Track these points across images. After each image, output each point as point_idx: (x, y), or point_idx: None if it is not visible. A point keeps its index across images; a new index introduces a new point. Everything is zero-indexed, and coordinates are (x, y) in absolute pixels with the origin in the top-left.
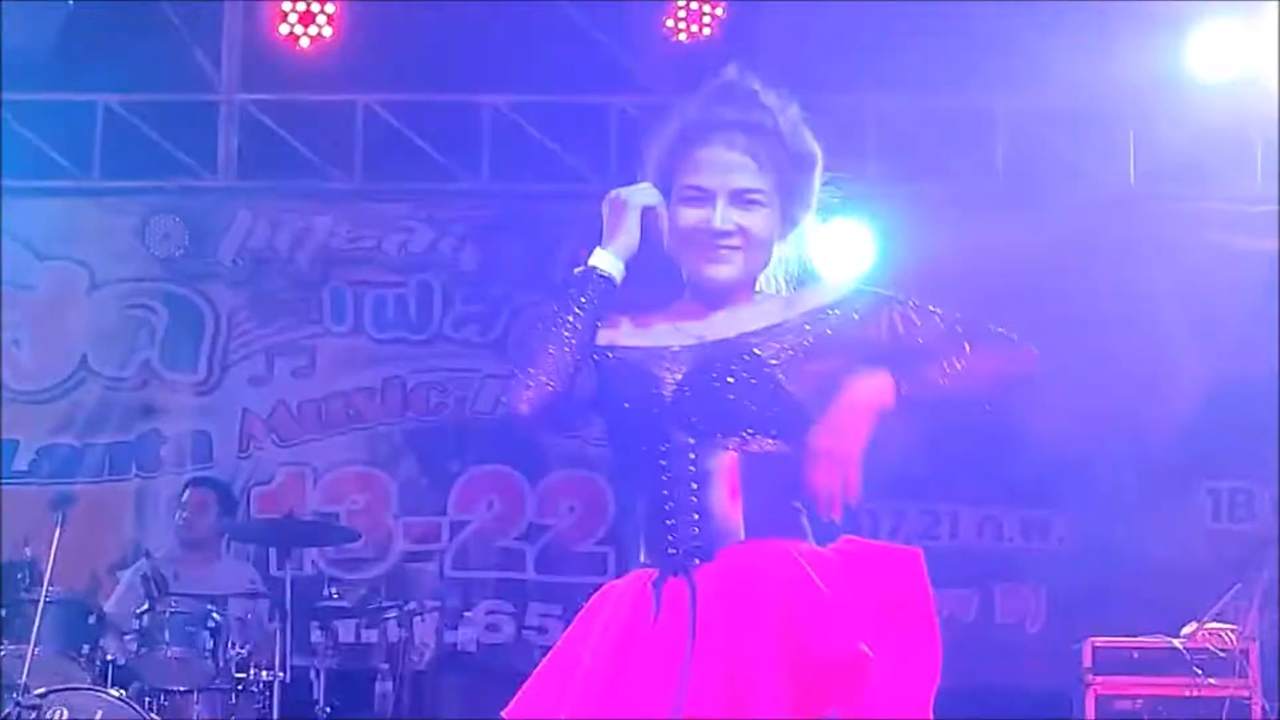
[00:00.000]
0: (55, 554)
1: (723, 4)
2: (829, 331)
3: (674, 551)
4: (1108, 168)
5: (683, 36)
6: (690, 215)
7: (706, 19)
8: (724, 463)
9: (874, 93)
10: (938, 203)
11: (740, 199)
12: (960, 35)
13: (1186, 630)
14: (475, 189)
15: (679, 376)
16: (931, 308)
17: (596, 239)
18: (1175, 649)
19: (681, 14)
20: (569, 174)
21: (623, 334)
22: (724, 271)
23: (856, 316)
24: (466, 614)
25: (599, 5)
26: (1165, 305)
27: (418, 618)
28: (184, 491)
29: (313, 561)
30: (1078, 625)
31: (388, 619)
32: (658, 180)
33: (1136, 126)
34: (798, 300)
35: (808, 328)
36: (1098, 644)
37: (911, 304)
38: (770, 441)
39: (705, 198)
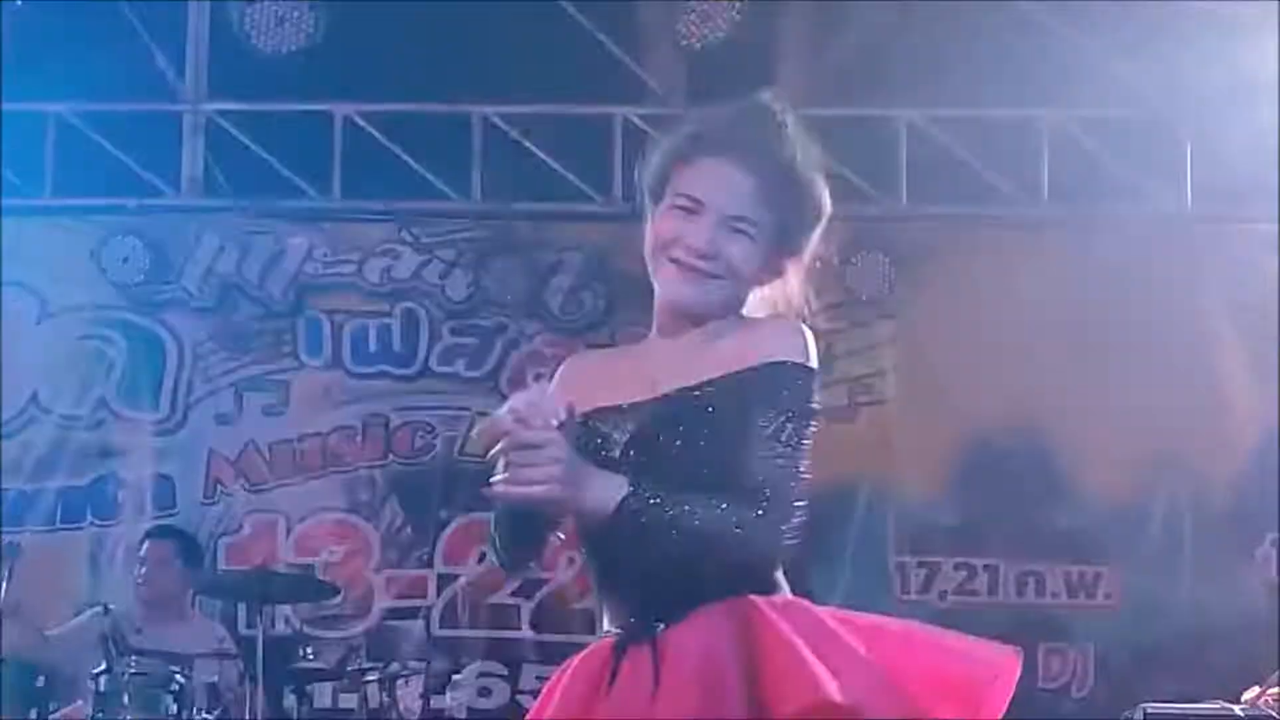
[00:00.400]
0: (0, 611)
1: (740, 5)
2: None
3: (634, 618)
4: (1163, 186)
5: (696, 43)
6: (674, 225)
7: (722, 22)
8: None
9: (904, 105)
10: (975, 225)
11: (731, 224)
12: (999, 40)
13: (1248, 696)
14: (466, 209)
15: (627, 435)
16: None
17: (599, 263)
18: (1236, 716)
19: (695, 16)
20: (569, 192)
21: (598, 390)
22: (693, 295)
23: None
24: (455, 677)
25: (603, 5)
26: (1226, 338)
27: (401, 681)
28: (143, 544)
29: (286, 619)
30: (1128, 690)
31: (368, 682)
32: (653, 181)
33: (1194, 140)
34: (764, 343)
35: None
36: (1151, 710)
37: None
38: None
39: (696, 211)
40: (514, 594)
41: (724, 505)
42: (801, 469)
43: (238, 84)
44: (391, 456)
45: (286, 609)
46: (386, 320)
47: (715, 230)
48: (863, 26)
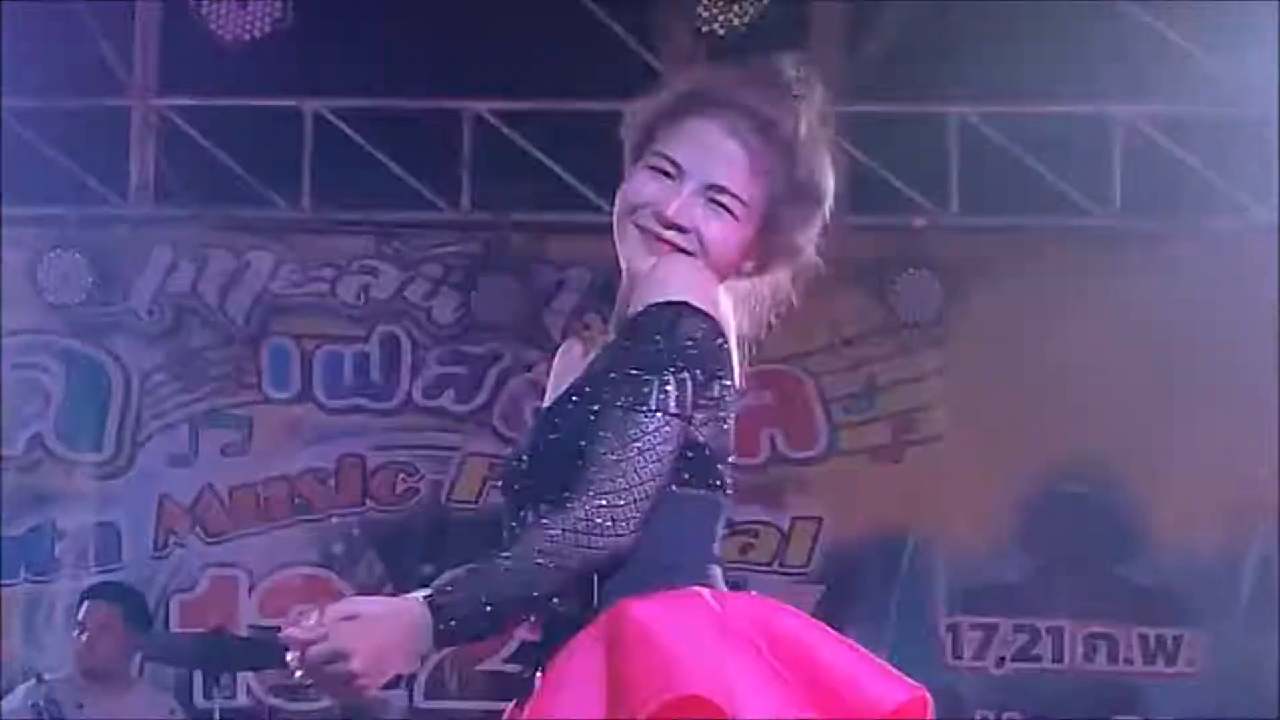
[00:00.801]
0: None
1: None
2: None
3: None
4: (1253, 194)
5: (718, 28)
6: (646, 188)
7: (747, 4)
8: None
9: (955, 101)
10: (1038, 238)
11: (711, 195)
12: (1066, 27)
13: None
14: (454, 219)
15: (522, 443)
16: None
17: (607, 281)
18: None
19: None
20: (573, 200)
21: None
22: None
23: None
24: None
25: None
26: None
27: None
28: (83, 603)
29: (248, 689)
30: None
31: None
32: (635, 140)
33: None
34: (636, 298)
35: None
36: None
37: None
38: None
39: (671, 175)
40: (509, 659)
41: (535, 532)
42: (642, 436)
43: (194, 76)
44: (369, 502)
45: (249, 677)
46: (363, 347)
47: (691, 199)
48: (907, 10)
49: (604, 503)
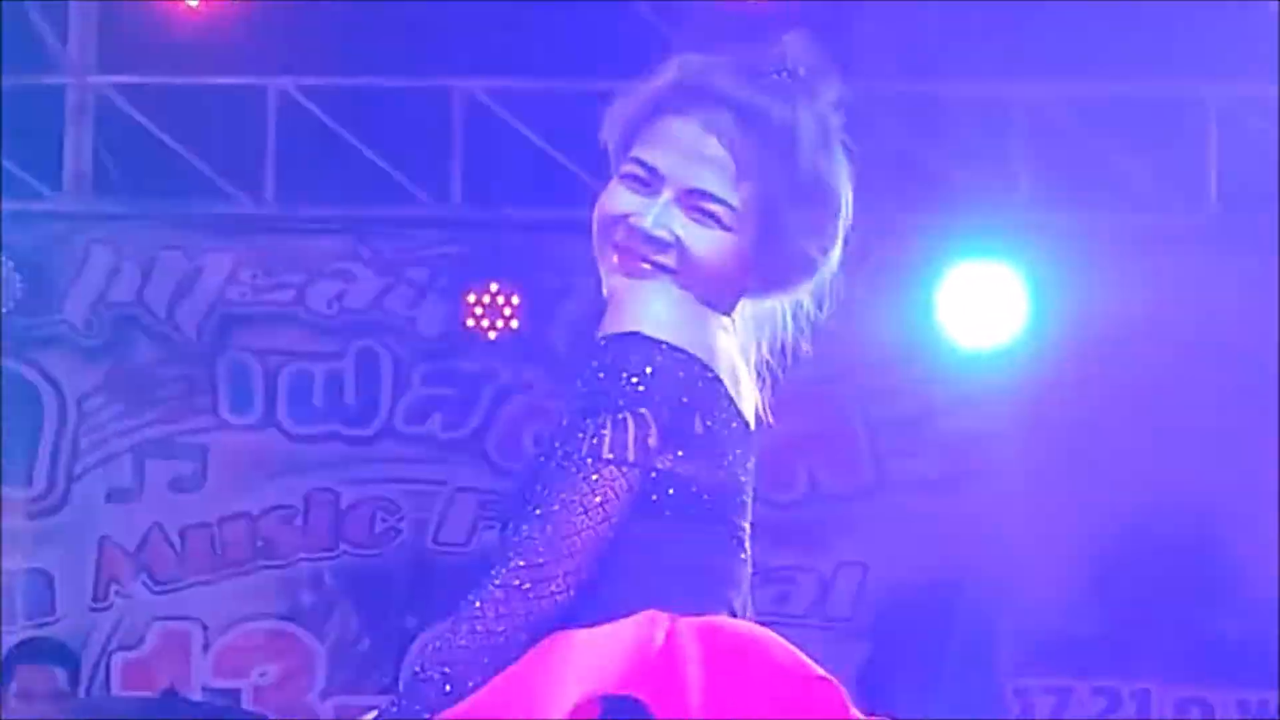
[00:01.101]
0: None
1: None
2: None
3: None
4: None
5: None
6: (620, 201)
7: None
8: None
9: (1023, 80)
10: (1119, 236)
11: (693, 202)
12: None
13: None
14: (442, 215)
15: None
16: None
17: None
18: None
19: None
20: (579, 194)
21: None
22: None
23: None
24: None
25: None
26: None
27: None
28: (10, 664)
29: None
30: None
31: None
32: (617, 144)
33: None
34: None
35: None
36: None
37: None
38: None
39: (648, 183)
40: None
41: (478, 593)
42: (571, 489)
43: (139, 51)
44: (343, 546)
45: None
46: (337, 364)
47: (670, 208)
48: None
49: (523, 563)
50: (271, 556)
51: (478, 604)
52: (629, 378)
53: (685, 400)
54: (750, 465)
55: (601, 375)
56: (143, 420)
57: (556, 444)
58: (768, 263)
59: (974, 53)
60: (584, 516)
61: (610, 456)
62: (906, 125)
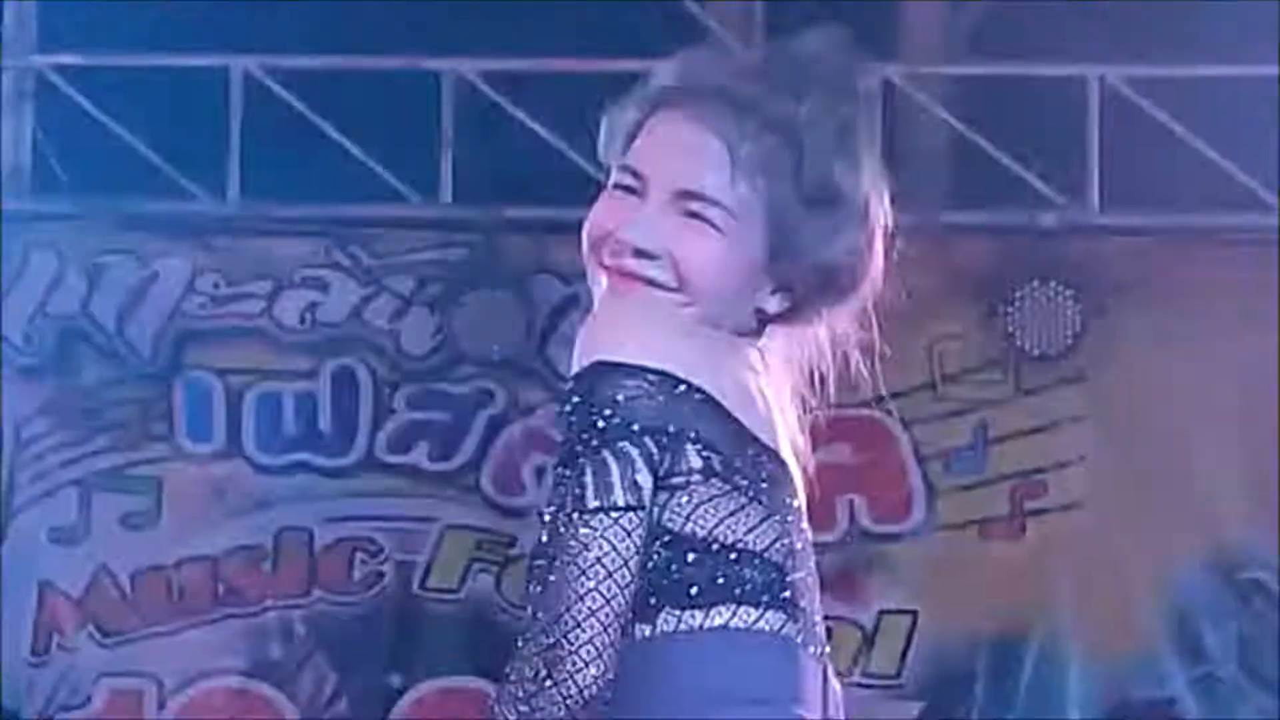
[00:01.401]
0: None
1: None
2: None
3: None
4: None
5: None
6: (605, 213)
7: None
8: None
9: (1095, 60)
10: (1205, 243)
11: (683, 206)
12: None
13: None
14: (429, 215)
15: None
16: None
17: None
18: None
19: None
20: (583, 190)
21: None
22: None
23: None
24: None
25: None
26: None
27: None
28: None
29: None
30: None
31: None
32: (614, 154)
33: None
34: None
35: None
36: None
37: None
38: None
39: (635, 190)
40: None
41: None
42: (563, 553)
43: (84, 28)
44: (317, 592)
45: None
46: (310, 385)
47: (657, 215)
48: None
49: (533, 649)
50: (236, 605)
51: (496, 710)
52: (600, 411)
53: (671, 429)
54: (793, 503)
55: (572, 419)
56: (89, 449)
57: (544, 505)
58: (784, 273)
59: (1043, 30)
60: (583, 578)
61: (596, 504)
62: (965, 116)
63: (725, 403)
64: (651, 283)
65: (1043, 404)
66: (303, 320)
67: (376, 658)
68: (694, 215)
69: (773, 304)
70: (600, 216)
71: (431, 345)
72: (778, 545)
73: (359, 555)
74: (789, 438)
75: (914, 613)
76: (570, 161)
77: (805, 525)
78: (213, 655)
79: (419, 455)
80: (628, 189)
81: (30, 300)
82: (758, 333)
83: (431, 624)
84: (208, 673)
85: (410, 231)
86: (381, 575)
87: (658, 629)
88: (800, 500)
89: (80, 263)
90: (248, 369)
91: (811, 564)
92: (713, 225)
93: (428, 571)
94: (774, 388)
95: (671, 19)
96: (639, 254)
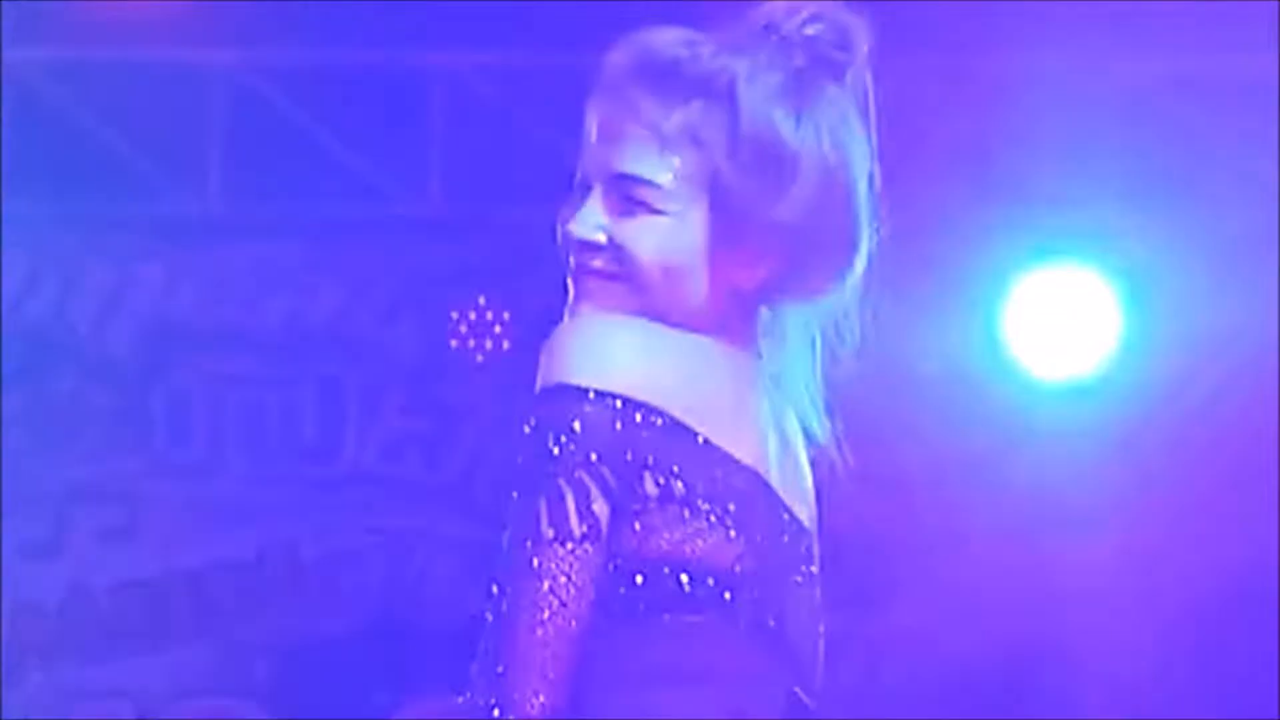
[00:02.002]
0: None
1: None
2: None
3: None
4: None
5: None
6: (565, 213)
7: None
8: None
9: (1120, 58)
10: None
11: (620, 191)
12: None
13: None
14: (419, 214)
15: None
16: None
17: None
18: None
19: None
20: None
21: None
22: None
23: None
24: None
25: None
26: None
27: None
28: None
29: None
30: None
31: None
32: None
33: None
34: None
35: None
36: None
37: None
38: None
39: (582, 183)
40: None
41: None
42: (513, 582)
43: (60, 21)
44: (303, 607)
45: None
46: (294, 392)
47: (596, 205)
48: None
49: (484, 680)
50: (218, 621)
51: None
52: (556, 438)
53: (629, 457)
54: (774, 517)
55: (529, 444)
56: (65, 459)
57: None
58: (741, 240)
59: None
60: (534, 609)
61: (551, 534)
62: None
63: (692, 421)
64: (601, 276)
65: (1054, 415)
66: (286, 325)
67: (364, 676)
68: (630, 199)
69: (744, 279)
70: (560, 221)
71: (421, 351)
72: (736, 567)
73: (345, 570)
74: (791, 440)
75: (921, 631)
76: (564, 161)
77: (803, 533)
78: (194, 675)
79: (409, 465)
80: (582, 187)
81: (3, 304)
82: (748, 319)
83: (422, 641)
84: (188, 693)
85: (398, 233)
86: (370, 590)
87: (607, 646)
88: (794, 511)
89: (54, 265)
90: (230, 375)
91: (801, 575)
92: (650, 206)
93: (418, 586)
94: (780, 387)
95: (680, 9)
96: (584, 247)
